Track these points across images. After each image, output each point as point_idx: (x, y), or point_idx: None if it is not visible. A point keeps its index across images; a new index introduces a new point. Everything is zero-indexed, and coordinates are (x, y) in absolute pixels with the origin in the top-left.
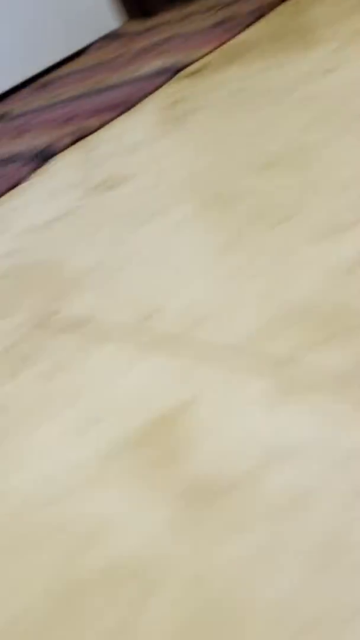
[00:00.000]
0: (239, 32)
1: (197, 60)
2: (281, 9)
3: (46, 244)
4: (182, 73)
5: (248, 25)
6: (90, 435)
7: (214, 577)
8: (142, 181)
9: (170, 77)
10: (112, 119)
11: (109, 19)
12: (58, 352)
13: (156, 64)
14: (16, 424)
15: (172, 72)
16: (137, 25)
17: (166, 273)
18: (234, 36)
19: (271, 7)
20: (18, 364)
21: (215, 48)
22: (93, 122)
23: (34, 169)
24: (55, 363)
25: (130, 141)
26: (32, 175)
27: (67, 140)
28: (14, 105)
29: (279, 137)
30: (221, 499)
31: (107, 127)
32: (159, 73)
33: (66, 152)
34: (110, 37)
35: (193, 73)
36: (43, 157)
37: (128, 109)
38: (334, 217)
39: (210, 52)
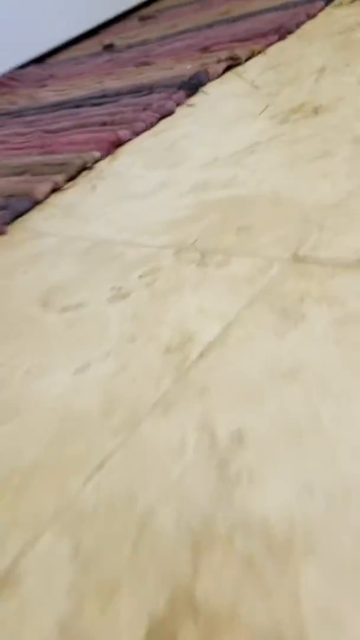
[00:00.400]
0: None
1: None
2: None
3: (251, 174)
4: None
5: None
6: None
7: None
8: (347, 107)
9: (326, 4)
10: (266, 47)
11: None
12: (341, 289)
13: None
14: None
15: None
16: None
17: None
18: None
19: None
20: (301, 307)
21: None
22: (240, 50)
23: (186, 98)
24: (345, 300)
25: (308, 70)
26: (186, 104)
27: (218, 68)
28: (119, 37)
29: None
30: None
31: (262, 55)
32: (308, 1)
33: (217, 80)
34: None
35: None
36: (191, 85)
37: (283, 37)
38: None
39: None
